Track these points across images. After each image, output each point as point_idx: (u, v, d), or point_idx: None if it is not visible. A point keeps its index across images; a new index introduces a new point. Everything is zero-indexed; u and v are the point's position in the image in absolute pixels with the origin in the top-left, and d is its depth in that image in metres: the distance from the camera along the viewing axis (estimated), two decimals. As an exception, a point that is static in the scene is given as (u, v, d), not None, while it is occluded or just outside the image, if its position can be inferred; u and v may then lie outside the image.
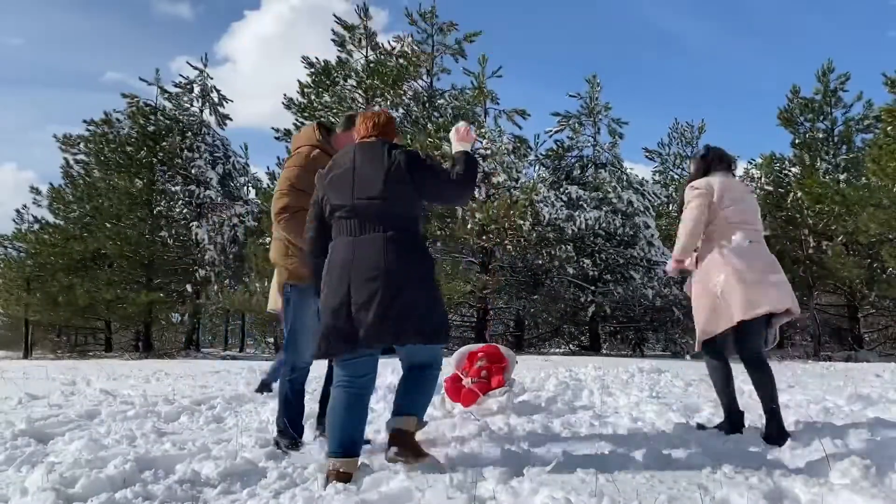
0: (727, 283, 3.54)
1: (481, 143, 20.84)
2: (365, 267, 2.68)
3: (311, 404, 4.28)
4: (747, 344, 3.59)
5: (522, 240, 19.36)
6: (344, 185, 2.82)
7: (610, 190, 21.38)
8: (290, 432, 3.26)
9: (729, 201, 3.74)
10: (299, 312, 3.33)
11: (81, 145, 23.06)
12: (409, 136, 20.63)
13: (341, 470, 2.60)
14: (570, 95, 23.80)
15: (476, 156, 3.03)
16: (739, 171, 31.58)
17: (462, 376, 4.60)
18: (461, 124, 3.10)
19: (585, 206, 20.99)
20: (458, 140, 3.03)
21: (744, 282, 3.50)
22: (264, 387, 6.02)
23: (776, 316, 3.64)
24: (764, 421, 3.51)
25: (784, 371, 9.99)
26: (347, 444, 2.67)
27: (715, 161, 3.91)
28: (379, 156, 2.81)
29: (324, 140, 3.39)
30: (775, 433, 3.39)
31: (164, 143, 22.98)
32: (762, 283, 3.52)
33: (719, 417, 4.11)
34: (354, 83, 21.75)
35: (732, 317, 3.49)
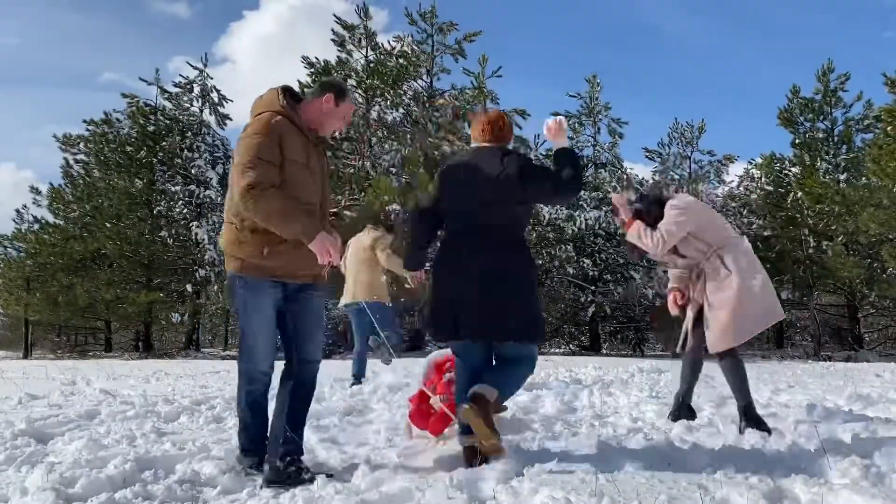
0: (763, 284, 3.64)
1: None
2: (466, 266, 2.89)
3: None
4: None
5: (522, 240, 19.31)
6: (456, 189, 3.01)
7: (610, 190, 21.38)
8: (253, 449, 2.85)
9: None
10: (253, 311, 2.81)
11: (81, 145, 23.05)
12: (409, 136, 20.63)
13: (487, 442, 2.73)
14: (570, 95, 23.86)
15: (575, 149, 3.12)
16: (739, 171, 31.54)
17: (429, 393, 3.57)
18: (549, 120, 3.01)
19: (585, 206, 21.00)
20: (553, 137, 3.01)
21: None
22: (357, 379, 6.31)
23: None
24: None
25: (784, 371, 10.00)
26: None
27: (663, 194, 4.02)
28: (492, 162, 2.94)
29: (289, 107, 2.86)
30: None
31: (164, 143, 22.98)
32: None
33: (720, 417, 4.11)
34: (354, 83, 21.74)
35: (765, 317, 3.70)
